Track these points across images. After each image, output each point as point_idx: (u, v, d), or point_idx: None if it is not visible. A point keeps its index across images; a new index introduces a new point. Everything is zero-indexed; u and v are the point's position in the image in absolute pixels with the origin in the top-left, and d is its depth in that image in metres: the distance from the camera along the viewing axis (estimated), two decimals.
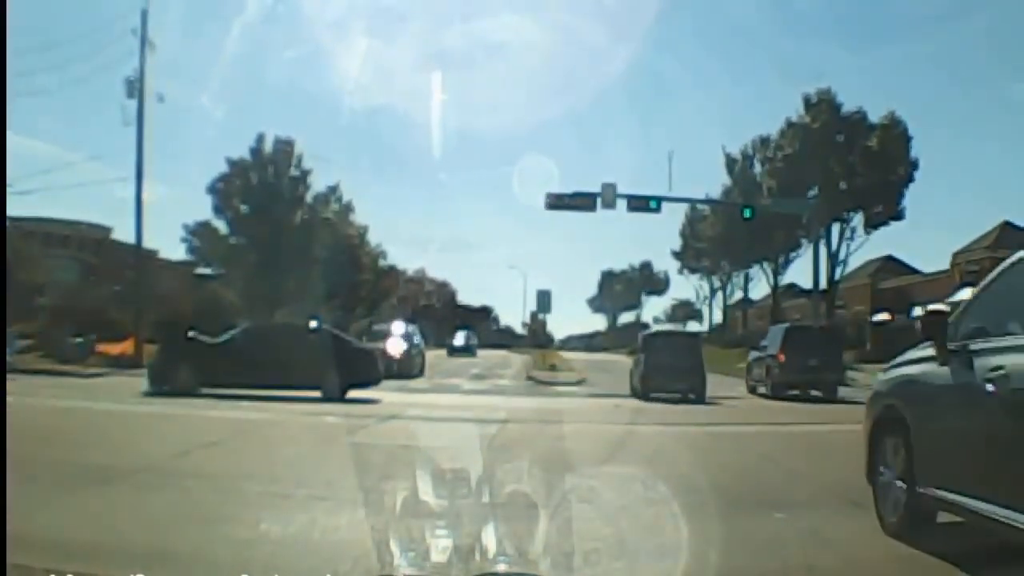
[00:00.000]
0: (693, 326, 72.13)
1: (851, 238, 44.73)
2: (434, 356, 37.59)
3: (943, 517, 5.13)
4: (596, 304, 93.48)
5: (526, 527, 5.17)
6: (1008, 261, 5.10)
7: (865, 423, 6.00)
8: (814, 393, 21.20)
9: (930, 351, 5.25)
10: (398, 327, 29.67)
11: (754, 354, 24.39)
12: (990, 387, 4.37)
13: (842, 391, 21.21)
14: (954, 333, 5.10)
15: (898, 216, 44.13)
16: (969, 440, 4.66)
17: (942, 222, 76.47)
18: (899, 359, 5.90)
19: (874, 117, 44.30)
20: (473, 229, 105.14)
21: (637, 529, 5.42)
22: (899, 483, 5.34)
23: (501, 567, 4.54)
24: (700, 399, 19.76)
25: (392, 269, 61.52)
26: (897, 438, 5.41)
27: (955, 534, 5.02)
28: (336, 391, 16.02)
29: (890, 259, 51.47)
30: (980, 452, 4.52)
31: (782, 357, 21.50)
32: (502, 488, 6.51)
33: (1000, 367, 4.34)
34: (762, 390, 22.62)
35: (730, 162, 50.83)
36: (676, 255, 62.44)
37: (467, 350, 46.55)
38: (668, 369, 20.00)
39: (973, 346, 4.76)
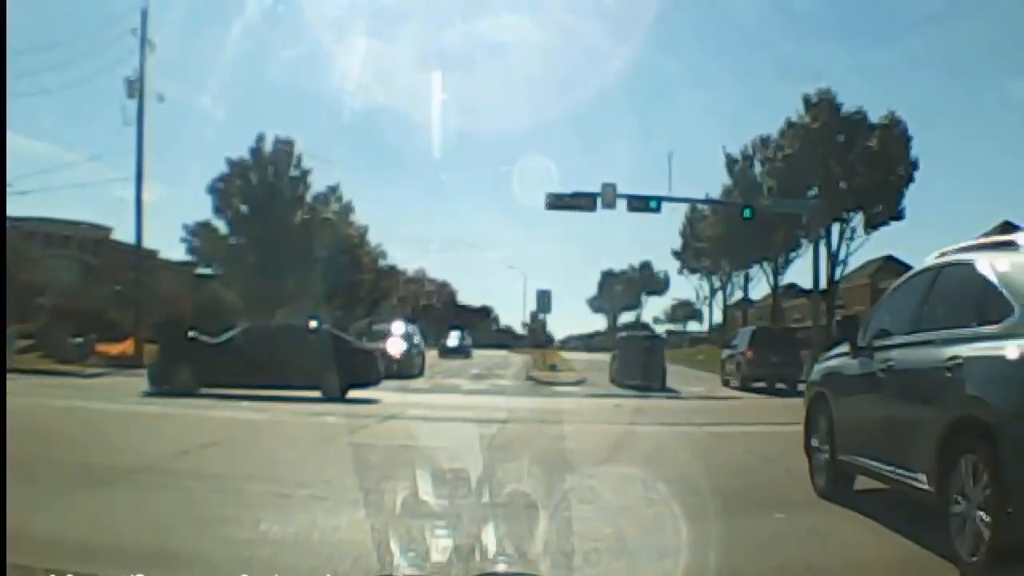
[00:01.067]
0: (693, 326, 72.48)
1: (851, 238, 44.70)
2: (433, 356, 37.59)
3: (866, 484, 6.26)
4: (596, 304, 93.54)
5: (526, 527, 5.18)
6: (900, 280, 6.55)
7: (804, 405, 7.52)
8: (779, 386, 23.54)
9: (847, 348, 6.64)
10: (398, 327, 29.64)
11: (727, 352, 27.67)
12: (881, 375, 5.81)
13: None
14: (863, 334, 6.43)
15: (898, 216, 44.09)
16: (869, 416, 6.02)
17: (942, 222, 76.35)
18: (827, 355, 7.36)
19: (874, 117, 44.27)
20: (473, 229, 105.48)
21: (637, 529, 5.42)
22: (825, 452, 6.78)
23: (501, 567, 4.54)
24: (661, 389, 23.22)
25: (392, 269, 61.56)
26: (824, 416, 6.88)
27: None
28: (336, 391, 16.01)
29: (890, 259, 51.47)
30: (875, 425, 5.88)
31: (749, 354, 24.48)
32: (502, 488, 6.52)
33: (889, 359, 5.76)
34: (733, 383, 25.35)
35: (730, 162, 50.78)
36: (676, 255, 62.45)
37: (460, 351, 45.37)
38: (636, 365, 24.19)
39: (875, 344, 6.14)
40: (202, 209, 49.48)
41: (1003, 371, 4.48)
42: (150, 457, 8.11)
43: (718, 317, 66.10)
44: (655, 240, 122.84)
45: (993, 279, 5.01)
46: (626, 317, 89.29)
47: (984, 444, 4.39)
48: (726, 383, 26.10)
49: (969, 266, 5.35)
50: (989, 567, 4.17)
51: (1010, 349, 4.45)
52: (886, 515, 5.73)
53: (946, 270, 5.68)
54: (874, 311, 6.60)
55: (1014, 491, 4.08)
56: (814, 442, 7.08)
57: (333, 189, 47.32)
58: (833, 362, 7.03)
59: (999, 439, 4.26)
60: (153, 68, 30.31)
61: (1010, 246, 5.22)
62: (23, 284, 29.18)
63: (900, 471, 5.39)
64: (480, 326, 76.83)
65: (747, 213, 35.18)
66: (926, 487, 4.97)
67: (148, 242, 33.41)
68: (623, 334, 30.97)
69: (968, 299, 5.22)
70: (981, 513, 4.32)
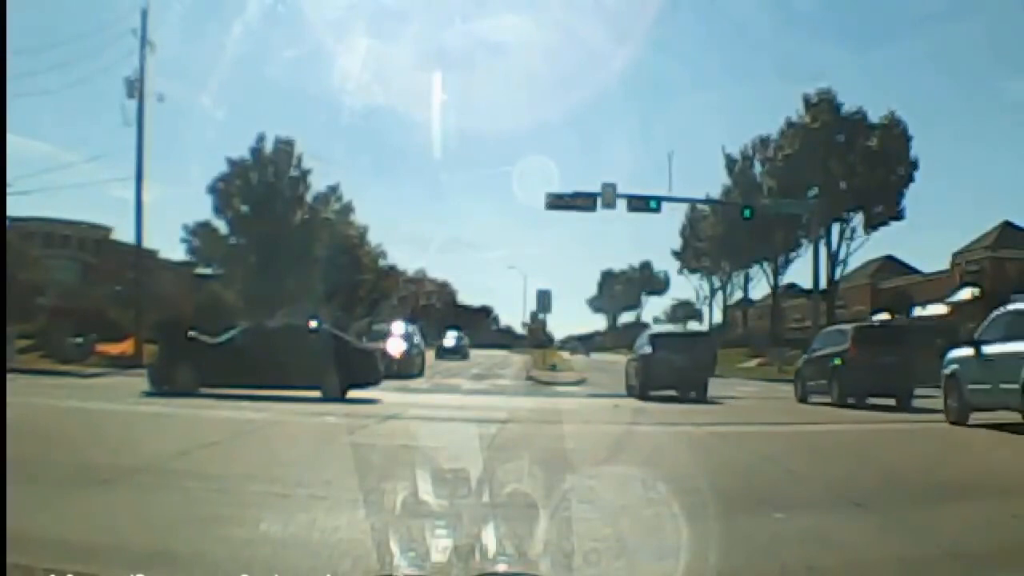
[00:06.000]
0: (693, 326, 72.75)
1: (851, 238, 44.79)
2: (432, 357, 37.53)
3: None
4: (596, 304, 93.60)
5: (526, 527, 5.17)
6: (644, 331, 27.37)
7: (628, 369, 23.10)
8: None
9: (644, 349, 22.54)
10: (398, 327, 29.65)
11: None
12: (638, 357, 21.97)
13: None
14: (636, 345, 23.84)
15: (898, 216, 44.14)
16: (634, 369, 22.08)
17: (942, 222, 76.87)
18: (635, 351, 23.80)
19: (874, 117, 44.36)
20: (473, 229, 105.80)
21: (637, 529, 5.42)
22: (631, 384, 22.14)
23: (501, 567, 4.53)
24: (586, 355, 51.92)
25: (392, 269, 61.58)
26: (627, 371, 23.23)
27: None
28: (336, 391, 16.00)
29: (890, 259, 51.51)
30: (633, 371, 22.24)
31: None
32: (502, 488, 6.50)
33: (638, 353, 22.24)
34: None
35: (730, 162, 50.85)
36: (676, 255, 62.56)
37: (457, 352, 44.42)
38: (580, 347, 65.41)
39: (636, 349, 23.27)
40: (202, 209, 49.53)
41: (638, 352, 22.27)
42: (150, 457, 8.10)
43: (718, 317, 66.13)
44: (655, 240, 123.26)
45: (651, 335, 23.29)
46: (626, 317, 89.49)
47: (638, 369, 21.54)
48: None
49: (647, 328, 37.01)
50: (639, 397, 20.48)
51: (641, 350, 21.98)
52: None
53: (648, 330, 29.53)
54: (640, 338, 24.02)
55: (640, 379, 21.05)
56: (628, 380, 22.43)
57: (333, 189, 47.43)
58: (633, 355, 23.03)
59: (640, 368, 21.28)
60: (153, 68, 30.47)
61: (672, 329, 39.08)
62: (23, 284, 29.20)
63: (634, 383, 21.60)
64: (480, 326, 76.81)
65: (747, 213, 35.23)
66: (636, 386, 21.26)
67: (148, 242, 33.54)
68: (575, 335, 66.44)
69: (642, 338, 23.16)
70: (636, 384, 21.37)
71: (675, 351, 20.83)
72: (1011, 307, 13.06)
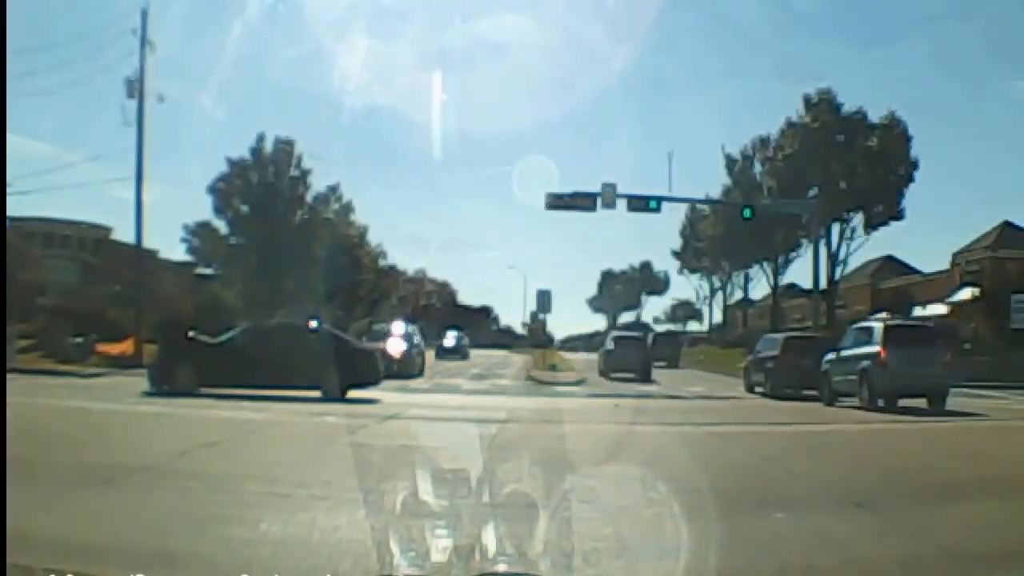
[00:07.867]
0: (693, 326, 72.89)
1: (851, 238, 44.62)
2: (432, 357, 37.52)
3: None
4: (596, 304, 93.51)
5: (526, 527, 5.17)
6: (612, 332, 39.85)
7: (598, 358, 33.57)
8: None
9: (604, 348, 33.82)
10: (398, 327, 29.62)
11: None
12: (606, 351, 32.26)
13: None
14: (605, 340, 35.68)
15: (898, 216, 44.03)
16: (601, 359, 32.37)
17: (942, 222, 76.61)
18: (603, 347, 34.26)
19: (874, 117, 44.22)
20: (473, 229, 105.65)
21: (637, 529, 5.42)
22: (600, 369, 31.50)
23: (501, 567, 4.54)
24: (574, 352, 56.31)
25: (392, 269, 61.48)
26: (598, 361, 33.05)
27: None
28: (336, 391, 15.98)
29: (890, 259, 51.41)
30: (602, 360, 31.94)
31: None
32: (502, 488, 6.51)
33: (605, 347, 33.21)
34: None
35: (730, 162, 50.73)
36: (676, 255, 62.44)
37: (457, 352, 44.14)
38: (582, 345, 64.87)
39: (606, 344, 33.60)
40: (202, 209, 49.23)
41: (604, 347, 33.00)
42: (150, 457, 8.11)
43: (718, 317, 66.07)
44: (655, 240, 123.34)
45: (612, 336, 34.88)
46: (626, 317, 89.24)
47: (603, 360, 32.06)
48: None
49: (609, 331, 44.31)
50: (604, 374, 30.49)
51: (606, 346, 33.08)
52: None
53: (612, 331, 42.50)
54: (605, 338, 37.10)
55: (604, 366, 31.28)
56: (599, 366, 31.82)
57: (333, 189, 47.25)
58: (602, 348, 33.57)
59: (604, 358, 31.79)
60: (153, 68, 30.35)
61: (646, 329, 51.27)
62: (23, 284, 29.17)
63: (601, 368, 31.26)
64: (480, 326, 76.76)
65: (747, 213, 35.20)
66: (602, 370, 31.08)
67: (148, 242, 33.48)
68: (575, 335, 71.89)
69: (608, 337, 35.11)
70: (602, 368, 31.12)
71: (628, 347, 31.64)
72: (859, 324, 20.81)
